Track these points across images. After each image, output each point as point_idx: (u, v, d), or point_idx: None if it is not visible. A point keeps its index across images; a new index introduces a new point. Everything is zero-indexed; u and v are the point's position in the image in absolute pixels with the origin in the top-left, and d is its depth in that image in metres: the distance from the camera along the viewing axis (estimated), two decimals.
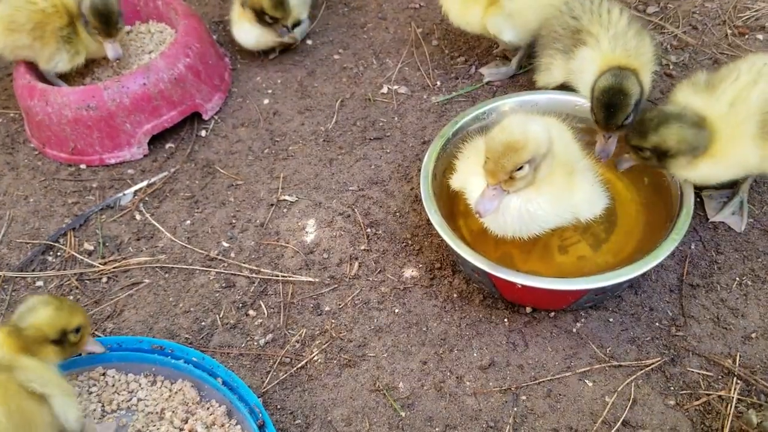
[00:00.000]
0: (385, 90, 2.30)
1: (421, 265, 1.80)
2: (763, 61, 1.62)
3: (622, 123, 1.65)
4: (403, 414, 1.53)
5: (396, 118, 2.20)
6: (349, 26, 2.56)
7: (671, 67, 2.24)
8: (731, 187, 1.82)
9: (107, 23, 2.13)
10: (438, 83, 2.29)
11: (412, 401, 1.55)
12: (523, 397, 1.54)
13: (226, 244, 1.91)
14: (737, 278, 1.69)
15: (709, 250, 1.75)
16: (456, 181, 1.64)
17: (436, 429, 1.50)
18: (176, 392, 1.52)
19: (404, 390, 1.57)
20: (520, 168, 1.39)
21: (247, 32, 2.34)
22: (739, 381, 1.52)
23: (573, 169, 1.52)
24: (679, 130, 1.56)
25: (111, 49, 2.18)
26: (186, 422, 1.46)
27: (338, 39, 2.51)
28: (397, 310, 1.71)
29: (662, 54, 2.28)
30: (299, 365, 1.63)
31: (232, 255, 1.88)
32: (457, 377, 1.58)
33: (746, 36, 2.27)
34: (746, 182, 1.78)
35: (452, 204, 1.77)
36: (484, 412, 1.52)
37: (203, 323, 1.73)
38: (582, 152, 1.61)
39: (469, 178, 1.56)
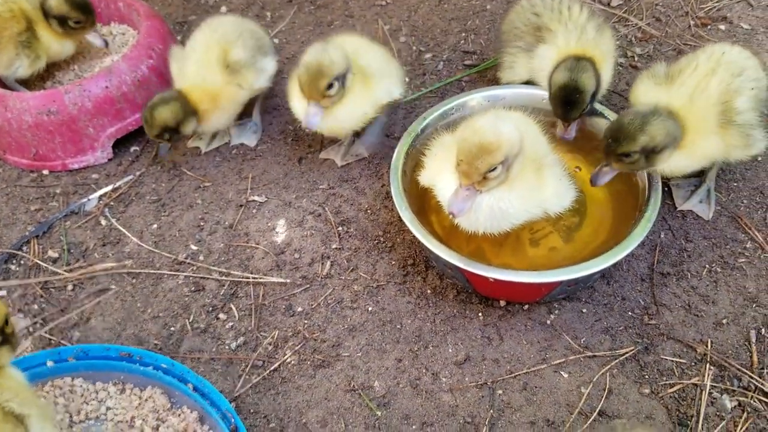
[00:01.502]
0: None
1: (393, 262, 1.78)
2: (721, 50, 1.64)
3: (581, 114, 1.68)
4: (379, 413, 1.51)
5: None
6: (316, 24, 2.54)
7: (636, 59, 2.26)
8: (698, 176, 1.84)
9: (89, 11, 2.11)
10: (406, 80, 2.27)
11: (388, 400, 1.53)
12: (500, 391, 1.53)
13: (194, 247, 1.88)
14: (707, 265, 1.70)
15: (678, 239, 1.76)
16: (425, 178, 1.63)
17: (413, 427, 1.49)
18: (146, 399, 1.48)
19: (380, 389, 1.55)
20: (494, 169, 1.38)
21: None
22: (712, 367, 1.53)
23: (542, 165, 1.52)
24: (663, 123, 1.56)
25: (96, 38, 2.17)
26: (157, 429, 1.43)
27: (305, 37, 2.49)
28: (370, 308, 1.70)
29: (627, 46, 2.30)
30: (272, 368, 1.61)
31: (201, 258, 1.85)
32: (432, 374, 1.57)
33: (708, 26, 2.29)
34: (713, 170, 1.80)
35: (423, 200, 1.76)
36: (461, 408, 1.51)
37: (173, 328, 1.70)
38: (549, 146, 1.61)
39: (438, 176, 1.55)
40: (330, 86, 1.72)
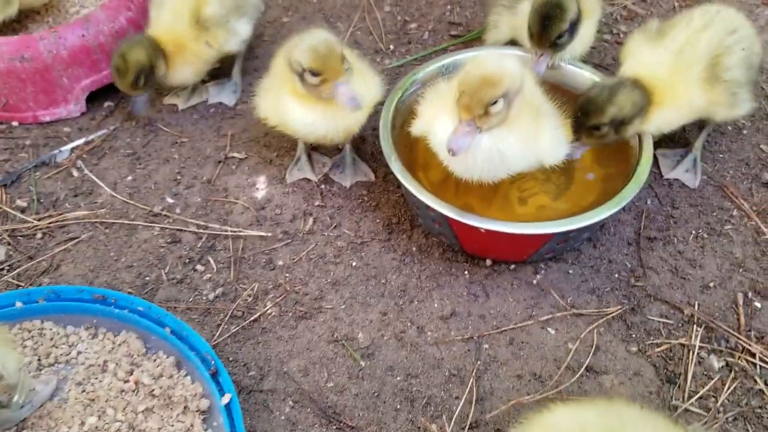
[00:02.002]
0: None
1: (378, 221, 1.74)
2: (716, 9, 1.64)
3: (556, 41, 1.66)
4: (363, 363, 1.47)
5: None
6: None
7: (621, 36, 2.26)
8: (685, 145, 1.84)
9: None
10: (391, 47, 2.25)
11: (372, 351, 1.49)
12: (486, 346, 1.50)
13: (170, 200, 1.81)
14: (693, 231, 1.70)
15: (665, 206, 1.76)
16: (418, 127, 1.58)
17: (398, 378, 1.45)
18: (120, 344, 1.41)
19: (364, 340, 1.51)
20: (495, 102, 1.35)
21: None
22: (699, 328, 1.52)
23: (539, 111, 1.50)
24: (630, 93, 1.57)
25: None
26: (131, 374, 1.36)
27: (286, 3, 2.44)
28: (354, 264, 1.65)
29: (612, 23, 2.31)
30: (252, 318, 1.55)
31: (178, 211, 1.78)
32: (417, 327, 1.53)
33: (694, 7, 2.30)
34: (699, 140, 1.80)
35: (410, 157, 1.72)
36: (447, 361, 1.47)
37: (147, 278, 1.63)
38: (544, 96, 1.59)
39: (434, 121, 1.51)
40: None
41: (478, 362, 1.47)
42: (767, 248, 1.65)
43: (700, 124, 1.80)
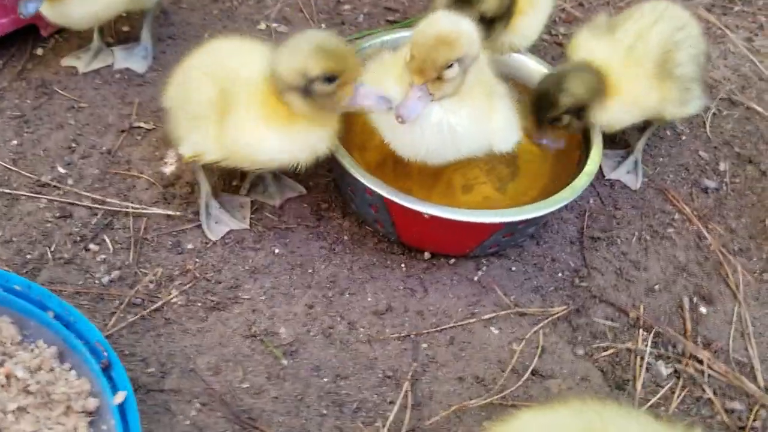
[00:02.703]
0: (263, 26, 2.05)
1: (305, 206, 1.56)
2: (665, 5, 1.60)
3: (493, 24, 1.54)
4: (285, 362, 1.27)
5: None
6: None
7: (560, 37, 2.20)
8: (626, 147, 1.78)
9: None
10: (323, 27, 2.08)
11: (296, 348, 1.30)
12: (424, 345, 1.34)
13: (62, 170, 1.56)
14: (636, 233, 1.62)
15: (607, 206, 1.67)
16: None
17: (325, 379, 1.26)
18: None
19: (286, 336, 1.31)
20: (450, 66, 1.21)
21: None
22: (645, 332, 1.43)
23: (493, 91, 1.37)
24: (580, 77, 1.50)
25: None
26: (1, 366, 1.10)
27: None
28: (277, 251, 1.46)
29: (551, 25, 2.24)
30: (153, 307, 1.33)
31: (70, 182, 1.53)
32: (348, 323, 1.35)
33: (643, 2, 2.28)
34: (640, 141, 1.74)
35: (346, 138, 1.55)
36: (381, 360, 1.30)
37: (29, 256, 1.37)
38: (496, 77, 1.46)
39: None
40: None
41: (416, 363, 1.31)
42: (710, 254, 1.60)
43: (641, 127, 1.73)
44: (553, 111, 1.48)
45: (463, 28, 1.22)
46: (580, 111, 1.48)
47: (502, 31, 1.61)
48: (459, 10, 1.38)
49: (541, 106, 1.50)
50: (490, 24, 1.54)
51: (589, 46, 1.59)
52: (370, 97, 1.23)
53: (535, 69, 1.69)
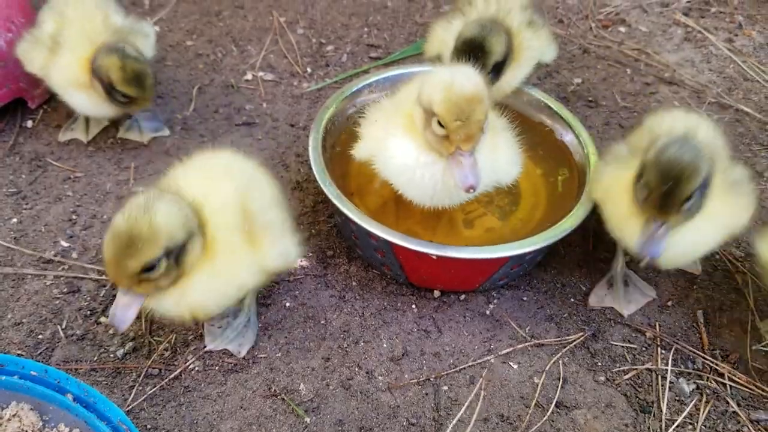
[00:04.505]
0: (249, 77, 2.06)
1: (310, 254, 1.56)
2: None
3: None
4: (308, 419, 1.26)
5: (264, 105, 1.96)
6: (202, 14, 2.30)
7: None
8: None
9: None
10: (309, 70, 2.09)
11: (317, 404, 1.29)
12: (445, 387, 1.33)
13: (65, 244, 1.55)
14: None
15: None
16: (362, 150, 1.40)
17: None
18: (9, 419, 1.14)
19: (306, 392, 1.31)
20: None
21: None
22: (663, 350, 1.42)
23: (493, 126, 1.37)
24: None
25: None
26: None
27: (190, 26, 2.24)
28: (288, 304, 1.45)
29: None
30: (171, 376, 1.32)
31: (74, 255, 1.53)
32: (366, 372, 1.34)
33: (609, 29, 2.30)
34: (614, 263, 1.63)
35: (342, 183, 1.56)
36: (403, 408, 1.29)
37: (41, 336, 1.37)
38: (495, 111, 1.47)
39: (385, 142, 1.34)
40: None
41: (438, 407, 1.30)
42: (717, 263, 1.60)
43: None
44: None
45: (479, 80, 1.22)
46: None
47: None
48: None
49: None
50: (499, 70, 1.56)
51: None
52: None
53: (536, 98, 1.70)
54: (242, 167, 1.30)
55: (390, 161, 1.32)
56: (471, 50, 1.50)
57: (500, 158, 1.35)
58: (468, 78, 1.21)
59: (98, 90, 1.61)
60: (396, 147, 1.30)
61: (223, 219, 1.17)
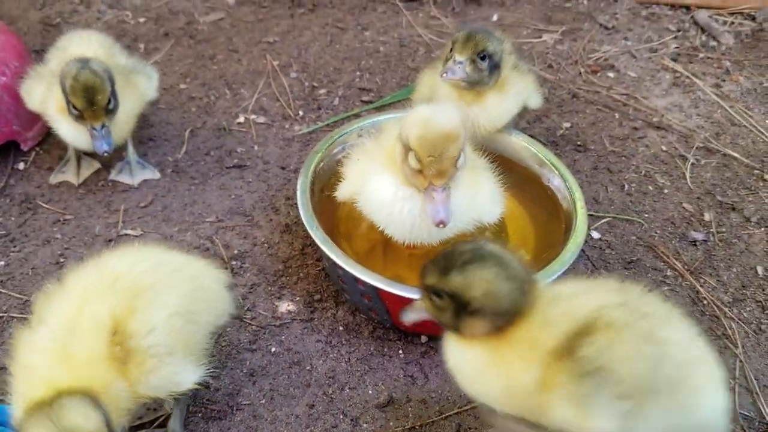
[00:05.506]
0: (241, 119, 2.08)
1: (298, 298, 1.55)
2: None
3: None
4: None
5: (256, 148, 1.98)
6: (197, 57, 2.34)
7: None
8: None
9: None
10: (300, 113, 2.12)
11: None
12: None
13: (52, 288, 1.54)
14: None
15: (599, 268, 1.67)
16: (344, 190, 1.42)
17: None
18: None
19: None
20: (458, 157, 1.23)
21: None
22: None
23: (474, 165, 1.38)
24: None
25: None
26: None
27: (184, 69, 2.28)
28: (273, 350, 1.44)
29: None
30: (155, 425, 1.30)
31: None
32: (351, 420, 1.33)
33: (598, 74, 2.33)
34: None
35: (331, 227, 1.56)
36: None
37: None
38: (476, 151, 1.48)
39: (367, 181, 1.35)
40: None
41: None
42: (705, 308, 1.59)
43: None
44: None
45: (453, 116, 1.24)
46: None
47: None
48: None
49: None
50: (495, 67, 1.59)
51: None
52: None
53: (522, 145, 1.71)
54: (138, 278, 1.12)
55: (370, 196, 1.34)
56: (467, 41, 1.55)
57: (481, 196, 1.36)
58: (445, 116, 1.23)
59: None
60: (376, 182, 1.32)
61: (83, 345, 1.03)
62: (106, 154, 1.61)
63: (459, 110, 1.29)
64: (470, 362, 1.05)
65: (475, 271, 0.99)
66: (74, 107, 1.57)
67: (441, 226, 1.23)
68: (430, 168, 1.22)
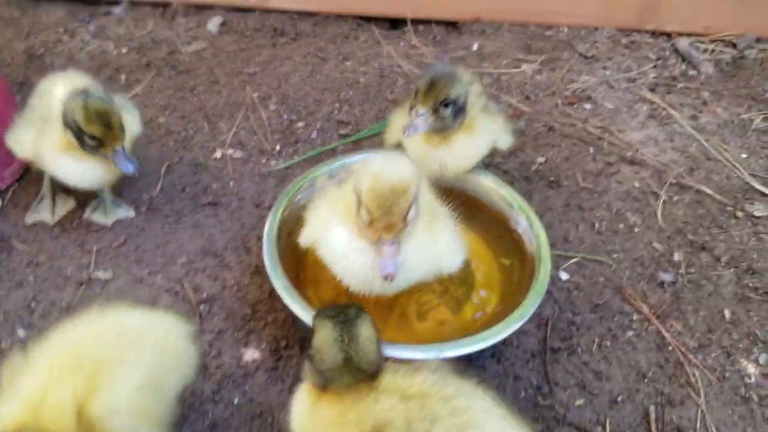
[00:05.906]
0: (218, 155, 2.09)
1: (264, 345, 1.57)
2: None
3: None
4: None
5: (231, 184, 1.99)
6: (177, 89, 2.35)
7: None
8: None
9: None
10: (277, 147, 2.13)
11: None
12: None
13: (22, 333, 1.57)
14: (596, 339, 1.63)
15: (565, 311, 1.68)
16: (306, 236, 1.43)
17: None
18: None
19: None
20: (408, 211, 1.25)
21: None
22: None
23: (433, 214, 1.39)
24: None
25: None
26: None
27: (164, 101, 2.29)
28: (236, 401, 1.46)
29: None
30: None
31: (31, 346, 1.54)
32: None
33: (575, 105, 2.34)
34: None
35: (298, 271, 1.58)
36: None
37: None
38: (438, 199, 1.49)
39: (326, 230, 1.37)
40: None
41: None
42: (669, 354, 1.60)
43: None
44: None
45: (405, 169, 1.25)
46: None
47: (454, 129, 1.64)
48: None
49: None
50: (460, 111, 1.60)
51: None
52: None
53: (490, 186, 1.72)
54: (100, 353, 1.12)
55: (328, 246, 1.35)
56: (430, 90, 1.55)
57: (440, 247, 1.37)
58: (397, 169, 1.24)
59: (76, 144, 1.59)
60: (333, 233, 1.33)
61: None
62: (134, 175, 1.62)
63: (411, 163, 1.29)
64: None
65: (325, 326, 1.13)
66: (91, 137, 1.55)
67: (389, 279, 1.24)
68: (380, 221, 1.23)
